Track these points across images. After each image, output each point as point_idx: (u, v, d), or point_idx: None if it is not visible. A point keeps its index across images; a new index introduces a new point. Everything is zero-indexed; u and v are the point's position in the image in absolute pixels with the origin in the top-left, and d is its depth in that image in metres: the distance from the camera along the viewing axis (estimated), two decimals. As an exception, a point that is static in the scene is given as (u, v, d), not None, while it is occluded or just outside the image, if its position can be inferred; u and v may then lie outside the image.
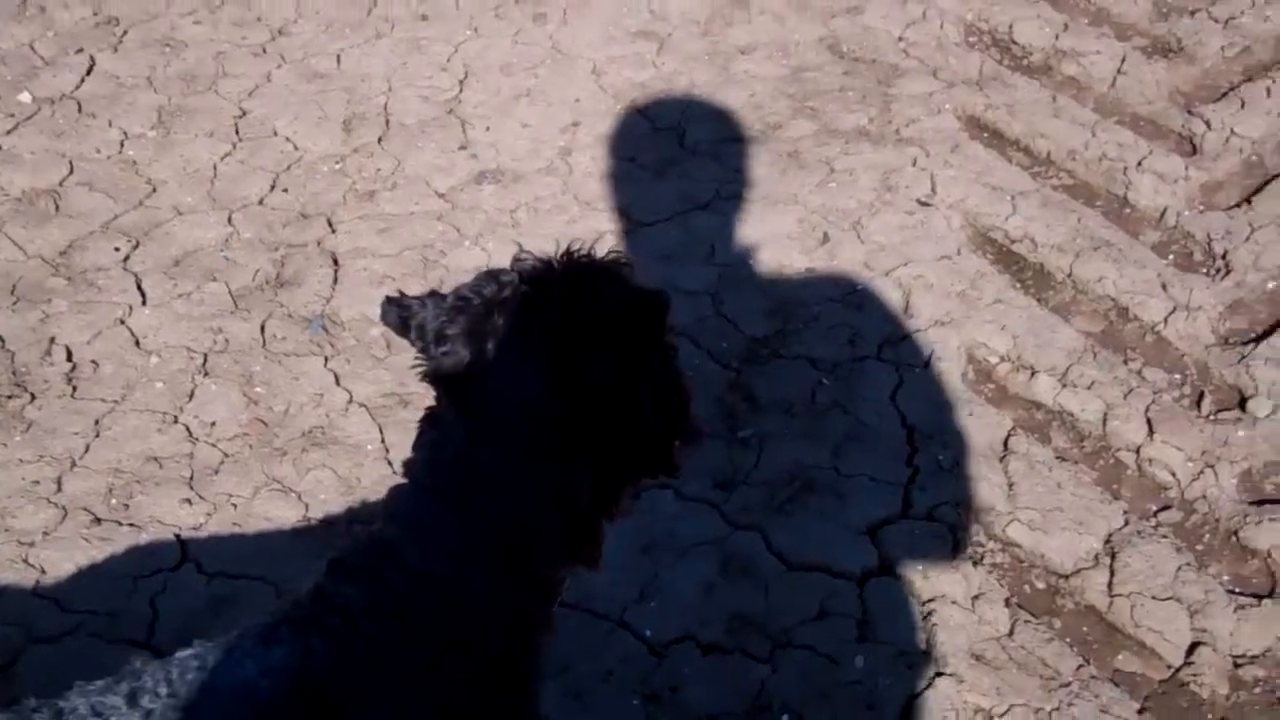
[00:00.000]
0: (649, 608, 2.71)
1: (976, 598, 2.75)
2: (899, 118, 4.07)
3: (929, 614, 2.71)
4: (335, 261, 3.56)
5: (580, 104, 4.17)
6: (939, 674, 2.61)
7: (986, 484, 2.97)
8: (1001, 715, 2.56)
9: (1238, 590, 2.80)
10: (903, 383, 3.18)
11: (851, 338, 3.29)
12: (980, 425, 3.10)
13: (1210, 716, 2.59)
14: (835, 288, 3.43)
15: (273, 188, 3.85)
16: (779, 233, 3.62)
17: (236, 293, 3.48)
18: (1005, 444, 3.07)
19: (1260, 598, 2.78)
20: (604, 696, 2.54)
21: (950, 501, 2.92)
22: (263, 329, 3.36)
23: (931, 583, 2.77)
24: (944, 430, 3.07)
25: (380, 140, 4.04)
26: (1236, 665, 2.66)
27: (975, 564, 2.83)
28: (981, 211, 3.70)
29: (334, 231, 3.68)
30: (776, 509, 2.90)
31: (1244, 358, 3.25)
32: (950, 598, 2.74)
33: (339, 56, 4.41)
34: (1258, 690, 2.63)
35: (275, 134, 4.06)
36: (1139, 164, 3.84)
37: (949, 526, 2.87)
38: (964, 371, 3.24)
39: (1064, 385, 3.20)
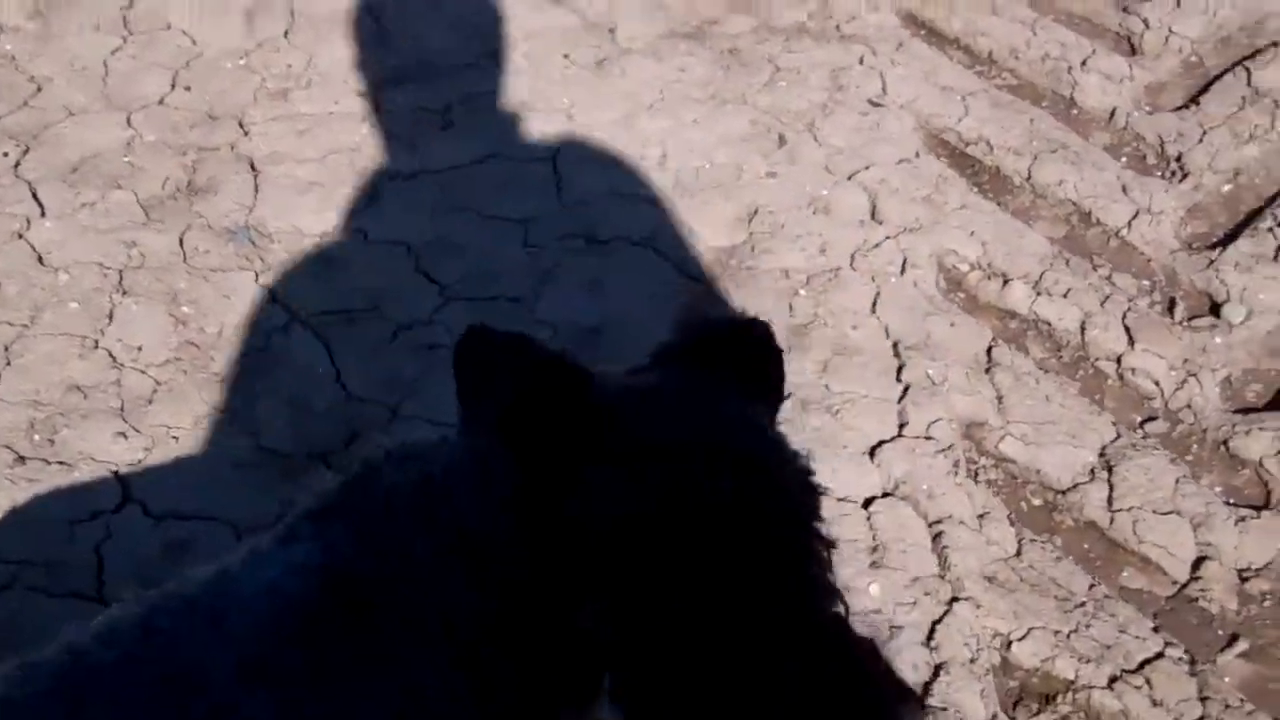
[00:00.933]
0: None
1: (982, 517, 2.65)
2: (838, 13, 3.89)
3: (938, 535, 2.60)
4: (253, 167, 3.27)
5: (503, -4, 3.90)
6: (955, 599, 2.51)
7: (977, 398, 2.86)
8: (1020, 639, 2.47)
9: (1233, 502, 2.75)
10: (880, 294, 3.04)
11: (822, 246, 3.13)
12: (962, 336, 2.99)
13: (1221, 632, 2.54)
14: (799, 193, 3.27)
15: (173, 86, 3.51)
16: (732, 135, 3.43)
17: (146, 202, 3.16)
18: (989, 355, 2.96)
19: (1258, 509, 2.73)
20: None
21: (945, 418, 2.80)
22: (181, 242, 3.06)
23: (937, 503, 2.65)
24: (928, 343, 2.95)
25: (287, 34, 3.72)
26: (1243, 579, 2.61)
27: (976, 482, 2.73)
28: (934, 113, 3.56)
29: (247, 134, 3.37)
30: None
31: (1212, 263, 3.19)
32: (957, 518, 2.63)
33: (229, -59, 4.05)
34: (1267, 604, 2.58)
35: (169, 27, 3.70)
36: (1083, 64, 3.74)
37: (948, 444, 2.75)
38: (936, 280, 3.12)
39: (1039, 293, 3.10)
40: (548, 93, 3.54)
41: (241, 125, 3.40)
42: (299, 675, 1.25)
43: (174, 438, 2.66)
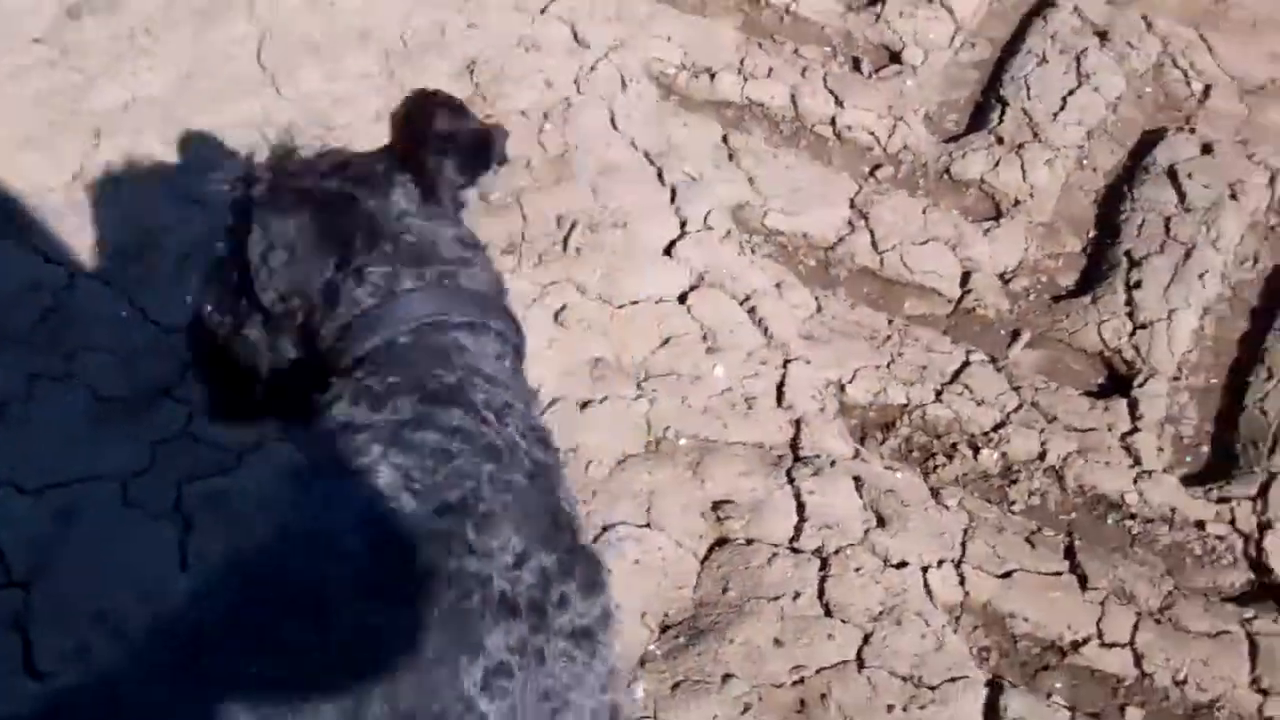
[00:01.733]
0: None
1: (779, 285, 2.90)
2: None
3: (752, 310, 2.84)
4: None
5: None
6: (787, 361, 2.75)
7: (732, 185, 3.08)
8: (850, 381, 2.75)
9: (972, 219, 3.10)
10: (614, 112, 3.20)
11: (547, 81, 3.25)
12: (697, 134, 3.20)
13: (1003, 332, 2.90)
14: (503, 37, 3.35)
15: None
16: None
17: None
18: (726, 143, 3.19)
19: (995, 219, 3.10)
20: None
21: (715, 207, 3.01)
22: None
23: (740, 283, 2.88)
24: (674, 148, 3.14)
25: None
26: (1005, 281, 2.98)
27: (760, 257, 2.97)
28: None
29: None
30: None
31: (879, 17, 3.50)
32: (761, 291, 2.87)
33: None
34: (1031, 298, 2.97)
35: None
36: None
37: (726, 230, 2.98)
38: (654, 89, 3.30)
39: (745, 79, 3.34)
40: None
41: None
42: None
43: (12, 412, 2.56)
